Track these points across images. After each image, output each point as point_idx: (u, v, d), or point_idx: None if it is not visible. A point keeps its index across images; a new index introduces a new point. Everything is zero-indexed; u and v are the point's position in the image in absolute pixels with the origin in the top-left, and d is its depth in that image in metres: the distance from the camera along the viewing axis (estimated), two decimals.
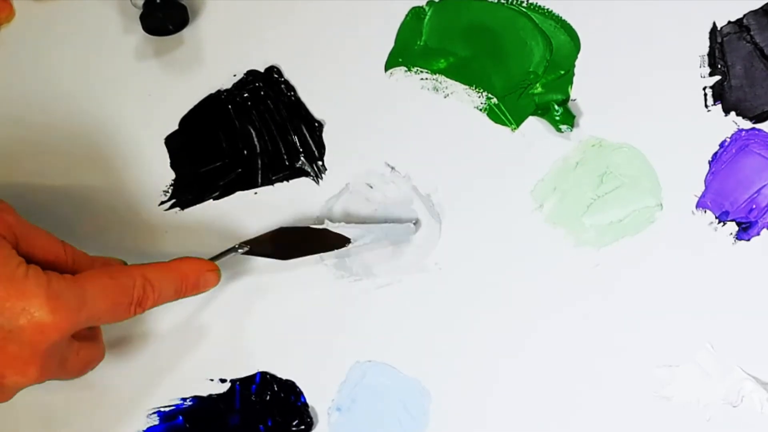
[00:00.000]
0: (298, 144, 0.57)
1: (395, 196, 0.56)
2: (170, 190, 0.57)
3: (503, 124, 0.56)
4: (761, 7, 0.56)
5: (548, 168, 0.56)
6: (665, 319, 0.54)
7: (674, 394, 0.54)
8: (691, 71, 0.56)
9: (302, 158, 0.57)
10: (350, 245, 0.53)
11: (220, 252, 0.53)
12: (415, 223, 0.55)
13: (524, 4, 0.57)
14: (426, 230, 0.56)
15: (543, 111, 0.56)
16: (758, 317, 0.54)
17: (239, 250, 0.53)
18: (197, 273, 0.51)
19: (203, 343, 0.55)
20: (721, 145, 0.55)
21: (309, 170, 0.57)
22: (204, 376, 0.55)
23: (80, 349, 0.48)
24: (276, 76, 0.57)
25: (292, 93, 0.57)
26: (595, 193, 0.55)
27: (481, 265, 0.55)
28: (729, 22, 0.56)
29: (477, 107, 0.57)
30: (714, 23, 0.56)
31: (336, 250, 0.53)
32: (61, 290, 0.45)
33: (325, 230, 0.53)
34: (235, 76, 0.57)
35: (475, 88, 0.57)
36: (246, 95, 0.57)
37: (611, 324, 0.54)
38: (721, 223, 0.55)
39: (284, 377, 0.55)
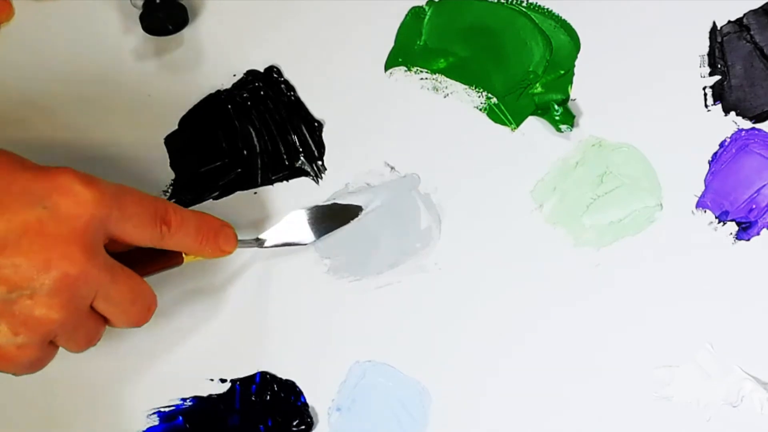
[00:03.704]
0: (297, 144, 0.57)
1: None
2: (170, 190, 0.57)
3: (503, 123, 0.56)
4: (761, 7, 0.56)
5: (548, 168, 0.56)
6: (665, 319, 0.54)
7: (674, 394, 0.54)
8: (691, 71, 0.56)
9: (302, 158, 0.57)
10: (363, 213, 0.55)
11: (242, 241, 0.53)
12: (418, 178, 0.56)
13: (524, 4, 0.57)
14: (426, 230, 0.56)
15: (543, 111, 0.56)
16: (758, 317, 0.54)
17: (259, 244, 0.54)
18: (218, 222, 0.51)
19: (203, 343, 0.55)
20: (721, 144, 0.55)
21: (309, 170, 0.57)
22: (204, 376, 0.55)
23: (93, 318, 0.47)
24: (276, 75, 0.57)
25: (292, 93, 0.57)
26: (595, 193, 0.55)
27: (481, 265, 0.55)
28: (729, 22, 0.56)
29: (477, 107, 0.57)
30: (714, 23, 0.56)
31: (354, 220, 0.56)
32: (93, 177, 0.46)
33: (335, 204, 0.55)
34: (234, 75, 0.57)
35: (475, 88, 0.57)
36: (246, 95, 0.57)
37: (611, 324, 0.54)
38: (721, 223, 0.55)
39: (284, 377, 0.55)
